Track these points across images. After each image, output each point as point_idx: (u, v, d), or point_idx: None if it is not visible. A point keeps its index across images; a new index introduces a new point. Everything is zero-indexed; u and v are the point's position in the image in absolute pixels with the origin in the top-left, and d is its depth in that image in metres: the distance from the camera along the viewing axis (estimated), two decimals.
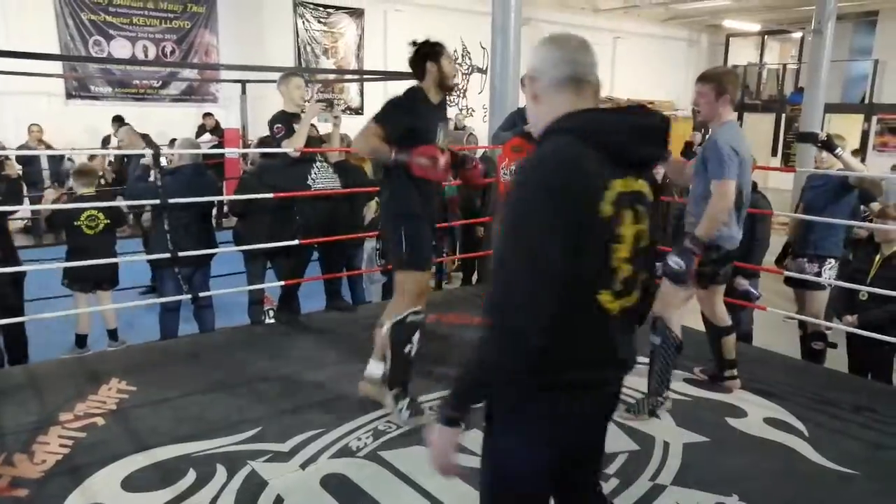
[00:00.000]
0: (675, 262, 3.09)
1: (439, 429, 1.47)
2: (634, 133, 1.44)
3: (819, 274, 4.54)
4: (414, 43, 3.18)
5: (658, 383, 3.29)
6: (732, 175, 3.06)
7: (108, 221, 5.04)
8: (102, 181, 9.87)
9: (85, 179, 5.18)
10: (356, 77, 13.27)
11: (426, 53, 3.16)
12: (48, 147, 9.49)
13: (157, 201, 4.27)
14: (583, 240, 1.36)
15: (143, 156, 5.02)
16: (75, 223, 4.94)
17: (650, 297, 1.65)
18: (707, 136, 3.33)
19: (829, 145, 4.24)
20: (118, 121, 10.03)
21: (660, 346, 3.27)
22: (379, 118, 3.04)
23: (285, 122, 4.57)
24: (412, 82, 3.22)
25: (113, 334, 5.34)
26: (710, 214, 3.08)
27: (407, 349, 3.16)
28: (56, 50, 10.47)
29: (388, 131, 3.02)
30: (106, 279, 5.14)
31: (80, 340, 5.20)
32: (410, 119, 3.07)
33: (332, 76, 13.06)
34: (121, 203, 5.42)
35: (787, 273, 4.78)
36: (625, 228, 1.43)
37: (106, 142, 10.21)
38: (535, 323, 1.34)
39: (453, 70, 3.24)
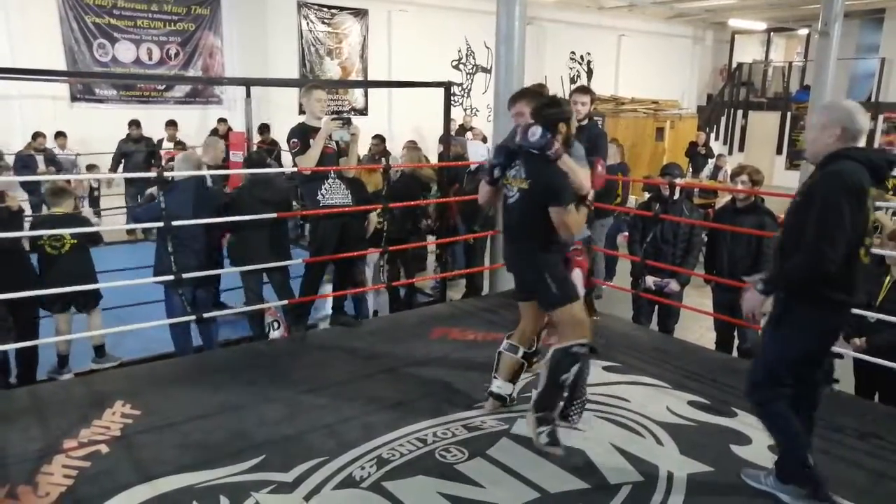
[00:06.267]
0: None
1: (754, 293, 2.68)
2: None
3: None
4: (545, 104, 3.23)
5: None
6: None
7: (75, 241, 4.80)
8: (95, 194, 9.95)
9: (59, 198, 4.94)
10: (367, 83, 13.34)
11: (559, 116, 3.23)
12: (48, 153, 9.49)
13: (160, 223, 4.25)
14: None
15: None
16: (38, 242, 4.75)
17: None
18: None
19: None
20: (135, 125, 10.09)
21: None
22: (566, 199, 3.16)
23: (302, 136, 4.56)
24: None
25: (99, 351, 5.19)
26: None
27: (563, 378, 3.21)
28: (60, 53, 10.47)
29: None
30: (77, 299, 4.89)
31: (62, 361, 5.00)
32: None
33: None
34: (97, 227, 5.30)
35: None
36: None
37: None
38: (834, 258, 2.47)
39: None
